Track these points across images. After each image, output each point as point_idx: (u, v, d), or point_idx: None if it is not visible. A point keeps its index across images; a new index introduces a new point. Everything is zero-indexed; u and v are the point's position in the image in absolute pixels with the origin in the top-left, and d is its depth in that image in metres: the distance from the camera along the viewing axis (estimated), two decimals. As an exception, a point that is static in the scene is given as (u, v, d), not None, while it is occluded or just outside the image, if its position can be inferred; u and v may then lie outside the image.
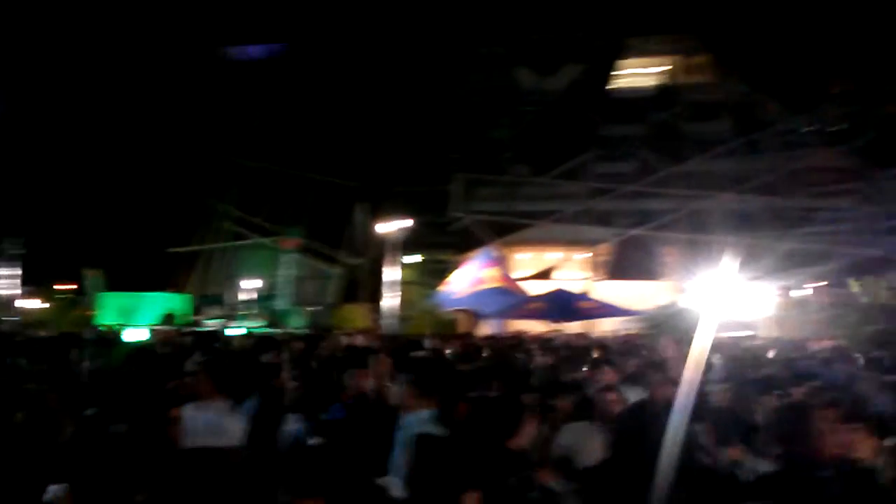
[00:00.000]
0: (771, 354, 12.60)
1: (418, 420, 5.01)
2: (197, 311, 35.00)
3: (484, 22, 39.64)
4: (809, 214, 36.89)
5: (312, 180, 38.79)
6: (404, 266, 31.24)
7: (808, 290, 28.85)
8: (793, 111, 37.88)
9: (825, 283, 29.52)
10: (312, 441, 5.08)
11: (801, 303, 27.93)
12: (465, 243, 36.29)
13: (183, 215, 38.62)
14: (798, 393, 6.10)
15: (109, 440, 4.22)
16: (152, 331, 17.10)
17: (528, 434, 4.29)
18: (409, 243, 29.13)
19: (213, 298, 38.78)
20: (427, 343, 13.34)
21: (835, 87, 37.95)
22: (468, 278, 23.82)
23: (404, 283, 28.30)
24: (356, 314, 28.66)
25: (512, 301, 21.94)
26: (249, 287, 37.50)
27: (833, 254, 35.08)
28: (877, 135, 36.52)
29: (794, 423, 5.05)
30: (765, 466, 4.38)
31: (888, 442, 4.10)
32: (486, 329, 22.17)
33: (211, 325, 28.83)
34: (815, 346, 14.13)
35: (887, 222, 35.90)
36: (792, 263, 34.98)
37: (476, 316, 23.19)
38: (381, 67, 37.93)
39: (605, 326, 23.44)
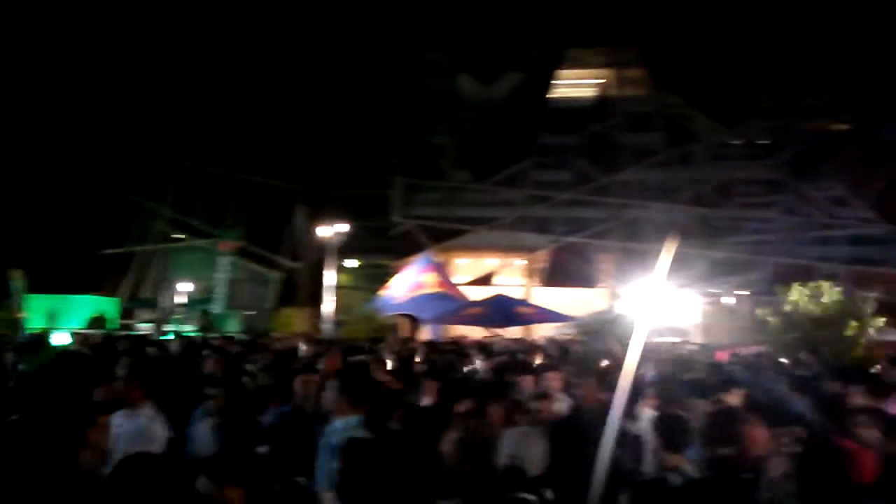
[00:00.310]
0: (701, 358, 12.99)
1: (346, 426, 5.02)
2: (129, 314, 33.98)
3: (427, 29, 39.83)
4: (737, 224, 38.29)
5: (251, 182, 38.22)
6: (344, 270, 31.10)
7: (735, 297, 29.85)
8: (722, 125, 39.22)
9: (751, 291, 30.61)
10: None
11: (729, 310, 28.89)
12: (404, 248, 36.30)
13: (115, 216, 37.48)
14: (725, 398, 6.34)
15: (28, 446, 4.09)
16: (76, 335, 16.47)
17: (456, 440, 4.35)
18: (348, 247, 29.00)
19: (146, 302, 37.77)
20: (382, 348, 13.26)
21: (762, 103, 39.46)
22: (408, 283, 23.81)
23: (343, 288, 28.15)
24: (295, 318, 28.33)
25: (451, 306, 22.00)
26: (184, 290, 36.62)
27: (759, 263, 36.51)
28: (799, 149, 38.19)
29: (722, 426, 5.26)
30: (693, 471, 4.53)
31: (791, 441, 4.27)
32: (425, 334, 22.16)
33: (143, 329, 28.05)
34: (743, 352, 14.66)
35: (810, 233, 37.62)
36: (720, 272, 36.23)
37: (415, 321, 23.14)
38: (323, 71, 37.64)
39: (541, 332, 23.77)
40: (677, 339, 22.37)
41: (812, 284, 16.97)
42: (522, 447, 4.01)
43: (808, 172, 37.48)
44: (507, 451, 3.93)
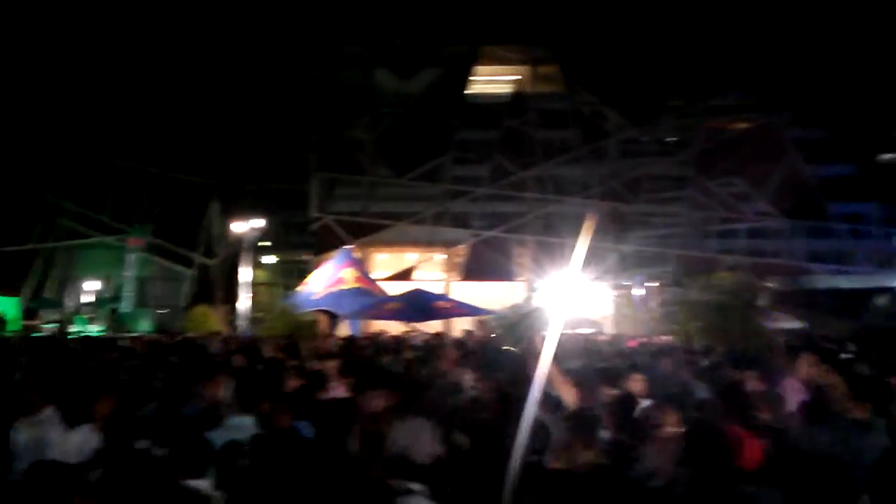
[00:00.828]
0: (612, 349, 13.47)
1: (242, 424, 5.01)
2: (32, 315, 32.37)
3: (345, 22, 39.49)
4: (646, 219, 39.74)
5: (163, 176, 37.01)
6: (260, 266, 30.62)
7: (644, 289, 30.95)
8: (633, 122, 40.52)
9: (659, 283, 31.82)
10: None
11: (639, 301, 29.96)
12: (323, 243, 35.97)
13: (17, 212, 35.57)
14: (626, 384, 6.65)
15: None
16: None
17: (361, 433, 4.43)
18: (265, 243, 28.56)
19: (50, 301, 36.10)
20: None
21: (670, 102, 40.99)
22: (326, 279, 23.61)
23: (260, 284, 27.72)
24: (210, 316, 27.59)
25: (370, 301, 21.98)
26: (91, 289, 35.16)
27: (666, 256, 38.03)
28: (704, 146, 39.95)
29: (623, 413, 5.54)
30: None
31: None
32: (344, 330, 22.06)
33: (47, 329, 26.80)
34: (649, 342, 15.30)
35: (713, 226, 39.46)
36: (631, 265, 37.53)
37: (334, 317, 23.00)
38: (240, 63, 36.77)
39: (461, 326, 24.06)
40: (591, 331, 23.10)
41: (715, 276, 17.81)
42: (414, 438, 4.10)
43: (712, 169, 39.24)
44: (399, 441, 4.02)
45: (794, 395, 6.29)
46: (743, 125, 41.35)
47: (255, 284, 27.01)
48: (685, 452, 3.35)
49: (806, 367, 7.19)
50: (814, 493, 3.68)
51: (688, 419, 4.72)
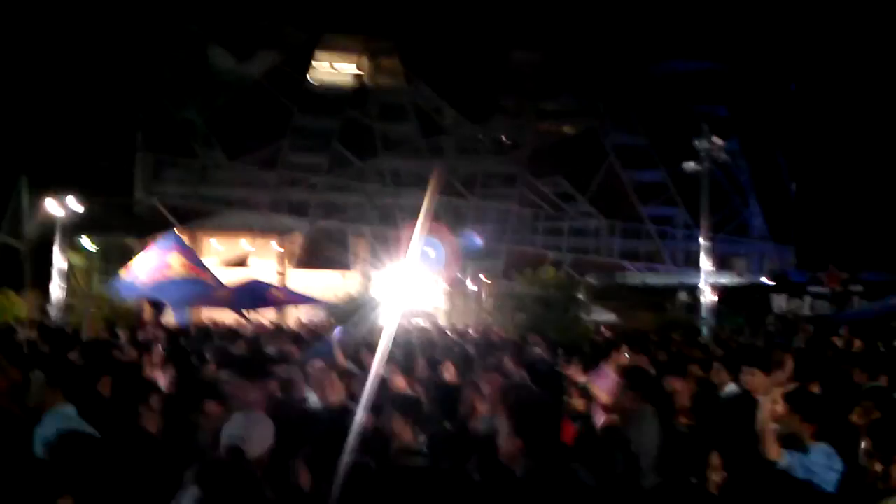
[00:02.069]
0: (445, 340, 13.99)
1: (63, 416, 4.79)
2: None
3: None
4: (480, 214, 41.28)
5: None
6: (79, 250, 28.48)
7: (477, 282, 32.15)
8: (469, 120, 41.84)
9: (491, 276, 33.20)
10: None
11: (471, 294, 31.12)
12: (149, 227, 34.01)
13: None
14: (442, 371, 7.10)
15: None
16: None
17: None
18: (86, 225, 26.58)
19: None
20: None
21: (504, 103, 42.78)
22: (152, 265, 22.43)
23: (79, 269, 25.79)
24: (16, 303, 25.25)
25: (200, 290, 21.18)
26: None
27: (498, 250, 39.75)
28: (535, 147, 42.16)
29: (447, 401, 5.92)
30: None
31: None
32: (169, 319, 21.12)
33: None
34: (473, 332, 16.05)
35: (543, 223, 41.78)
36: (464, 258, 38.83)
37: (159, 306, 21.92)
38: (62, 31, 33.80)
39: (296, 315, 23.83)
40: (425, 323, 23.72)
41: (541, 270, 19.00)
42: (248, 430, 4.17)
43: (542, 169, 41.48)
44: (229, 433, 4.06)
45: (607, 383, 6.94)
46: (569, 129, 44.02)
47: (71, 269, 25.09)
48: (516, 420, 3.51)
49: (621, 358, 7.96)
50: (615, 473, 4.30)
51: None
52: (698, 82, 42.19)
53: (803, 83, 45.53)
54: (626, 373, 5.49)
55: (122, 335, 11.24)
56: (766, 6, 42.64)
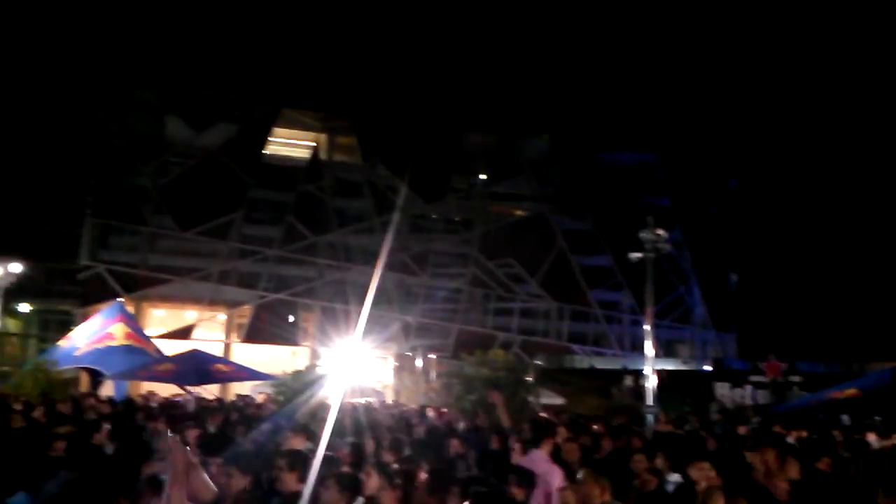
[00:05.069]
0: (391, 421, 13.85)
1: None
2: None
3: (140, 67, 37.86)
4: (430, 292, 41.43)
5: None
6: (14, 315, 27.58)
7: (424, 360, 31.99)
8: (423, 199, 42.48)
9: (439, 354, 33.11)
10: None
11: (419, 371, 30.88)
12: (92, 295, 33.20)
13: None
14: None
15: None
16: None
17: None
18: (26, 290, 25.81)
19: None
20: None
21: (457, 184, 43.63)
22: (92, 333, 21.78)
23: (13, 335, 24.90)
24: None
25: (142, 361, 20.60)
26: None
27: (447, 329, 39.80)
28: (487, 228, 42.88)
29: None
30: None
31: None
32: (108, 391, 20.39)
33: None
34: (430, 413, 15.90)
35: (493, 304, 42.07)
36: (413, 335, 38.76)
37: (98, 376, 21.18)
38: (16, 89, 33.62)
39: (239, 389, 23.27)
40: (372, 400, 23.40)
41: (490, 352, 19.04)
42: None
43: (493, 250, 42.10)
44: None
45: (540, 465, 6.98)
46: (520, 212, 45.00)
47: (5, 335, 24.22)
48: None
49: (558, 439, 8.02)
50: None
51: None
52: (643, 173, 43.96)
53: (743, 179, 47.89)
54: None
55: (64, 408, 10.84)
56: (707, 105, 45.13)
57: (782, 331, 38.24)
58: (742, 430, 12.68)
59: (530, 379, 18.31)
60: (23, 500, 4.78)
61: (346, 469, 5.75)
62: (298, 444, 6.96)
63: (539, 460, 6.75)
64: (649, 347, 19.70)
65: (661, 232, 17.46)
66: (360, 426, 10.27)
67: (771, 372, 25.89)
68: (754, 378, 26.70)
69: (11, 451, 5.85)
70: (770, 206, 46.94)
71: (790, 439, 11.17)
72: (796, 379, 25.59)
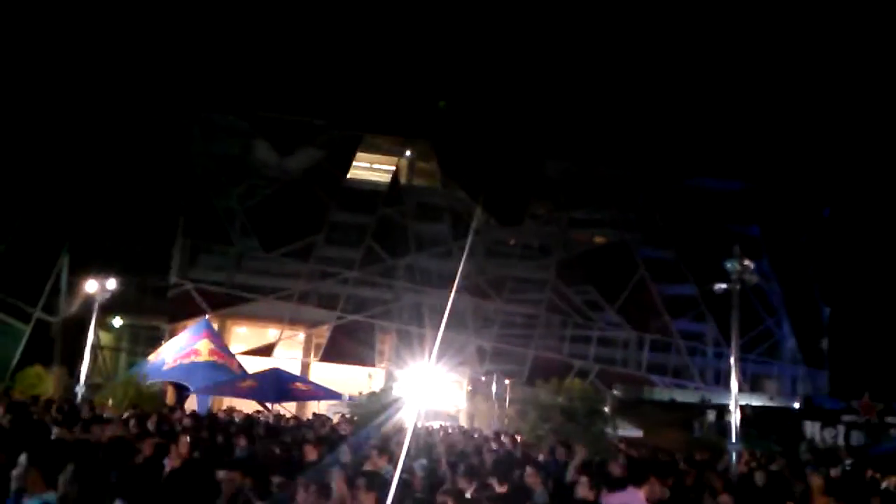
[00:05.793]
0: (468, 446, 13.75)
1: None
2: None
3: (231, 93, 39.48)
4: (507, 317, 41.17)
5: (10, 225, 34.43)
6: (109, 329, 28.86)
7: (499, 385, 31.76)
8: (501, 224, 42.43)
9: (513, 380, 32.77)
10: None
11: (495, 397, 30.66)
12: (180, 311, 34.52)
13: None
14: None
15: None
16: None
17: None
18: (119, 305, 26.99)
19: None
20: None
21: (536, 210, 43.42)
22: (179, 349, 22.64)
23: (106, 348, 26.06)
24: (43, 379, 25.43)
25: (224, 377, 21.27)
26: None
27: (522, 354, 39.39)
28: (565, 255, 42.38)
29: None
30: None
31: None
32: (192, 404, 21.08)
33: None
34: (504, 440, 15.73)
35: (570, 331, 41.42)
36: (488, 360, 38.56)
37: (183, 390, 21.94)
38: (117, 117, 35.48)
39: (316, 408, 23.65)
40: (447, 424, 23.36)
41: (567, 380, 18.72)
42: None
43: (571, 276, 41.53)
44: None
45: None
46: (600, 239, 44.31)
47: (99, 348, 25.33)
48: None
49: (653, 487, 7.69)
50: None
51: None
52: (730, 200, 42.55)
53: (837, 208, 45.76)
54: None
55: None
56: (800, 132, 43.53)
57: (878, 368, 36.18)
58: (833, 472, 12.01)
59: (607, 409, 17.90)
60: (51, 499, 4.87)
61: (419, 495, 5.73)
62: (381, 464, 7.00)
63: (635, 500, 6.59)
64: (734, 381, 18.92)
65: (747, 262, 16.78)
66: (435, 450, 10.24)
67: (865, 412, 24.50)
68: (847, 418, 25.32)
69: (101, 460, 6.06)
70: (865, 235, 44.65)
71: (888, 485, 10.50)
72: (894, 420, 24.13)
